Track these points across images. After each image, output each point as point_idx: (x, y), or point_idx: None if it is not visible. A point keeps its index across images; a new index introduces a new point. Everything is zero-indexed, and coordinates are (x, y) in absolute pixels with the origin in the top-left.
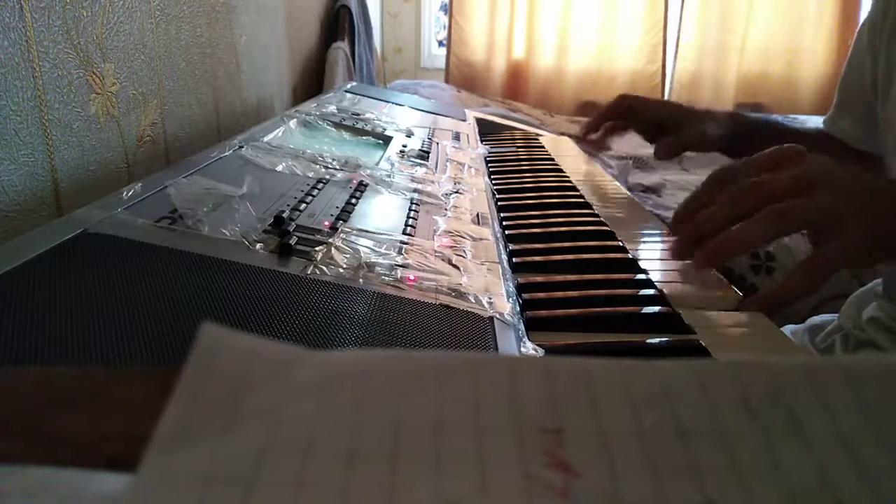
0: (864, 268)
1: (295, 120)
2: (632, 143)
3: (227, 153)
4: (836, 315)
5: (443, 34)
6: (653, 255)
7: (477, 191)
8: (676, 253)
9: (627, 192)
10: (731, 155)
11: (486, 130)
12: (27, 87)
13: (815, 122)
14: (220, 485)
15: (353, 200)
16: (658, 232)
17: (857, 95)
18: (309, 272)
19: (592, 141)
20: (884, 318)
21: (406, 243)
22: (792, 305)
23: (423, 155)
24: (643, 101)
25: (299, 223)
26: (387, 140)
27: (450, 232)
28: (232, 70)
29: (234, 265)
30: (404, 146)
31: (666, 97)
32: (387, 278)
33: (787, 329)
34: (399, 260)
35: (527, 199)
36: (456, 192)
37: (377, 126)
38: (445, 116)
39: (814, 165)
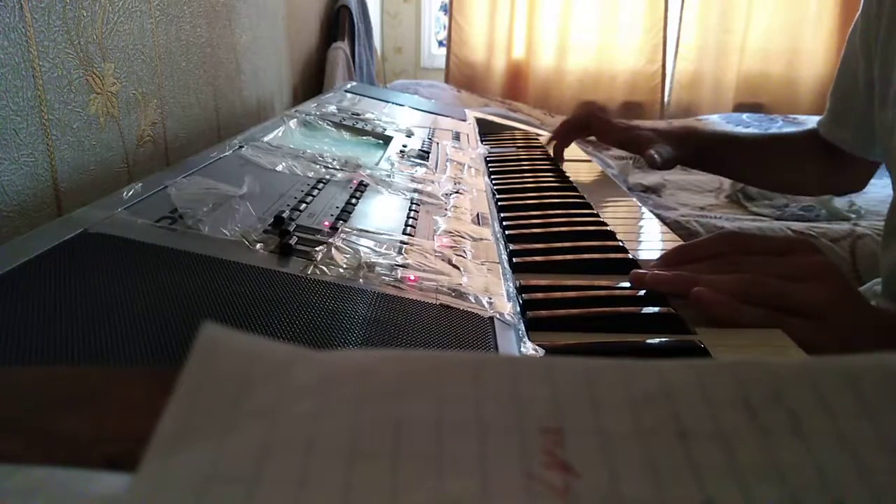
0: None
1: (295, 120)
2: None
3: (227, 153)
4: None
5: (443, 34)
6: (653, 256)
7: (477, 191)
8: (637, 279)
9: (627, 192)
10: (691, 167)
11: (486, 130)
12: (27, 87)
13: (815, 122)
14: (221, 484)
15: (354, 200)
16: (658, 232)
17: (850, 101)
18: (309, 272)
19: (557, 147)
20: None
21: (406, 243)
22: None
23: (424, 155)
24: (600, 123)
25: (299, 223)
26: (387, 140)
27: (450, 232)
28: (232, 70)
29: (235, 265)
30: (404, 146)
31: (666, 97)
32: (387, 278)
33: None
34: (399, 260)
35: (527, 199)
36: (456, 192)
37: (377, 126)
38: (445, 116)
39: (818, 260)
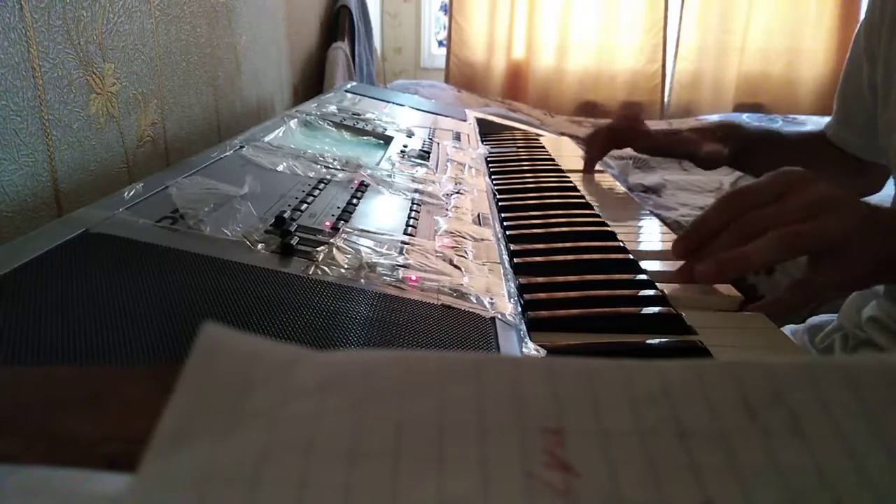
0: (857, 290)
1: (295, 120)
2: None
3: (227, 153)
4: (836, 315)
5: (443, 34)
6: (653, 255)
7: (478, 191)
8: (684, 275)
9: (628, 192)
10: (735, 167)
11: (487, 130)
12: (27, 87)
13: (815, 122)
14: (221, 484)
15: (355, 201)
16: (658, 232)
17: (856, 104)
18: (310, 272)
19: (591, 158)
20: (883, 317)
21: (407, 244)
22: (788, 316)
23: (424, 155)
24: (638, 132)
25: (301, 223)
26: (387, 140)
27: (451, 232)
28: (232, 70)
29: (236, 265)
30: (405, 146)
31: (666, 97)
32: (388, 279)
33: (787, 329)
34: (400, 260)
35: (528, 199)
36: (457, 193)
37: (378, 126)
38: (446, 116)
39: (820, 191)
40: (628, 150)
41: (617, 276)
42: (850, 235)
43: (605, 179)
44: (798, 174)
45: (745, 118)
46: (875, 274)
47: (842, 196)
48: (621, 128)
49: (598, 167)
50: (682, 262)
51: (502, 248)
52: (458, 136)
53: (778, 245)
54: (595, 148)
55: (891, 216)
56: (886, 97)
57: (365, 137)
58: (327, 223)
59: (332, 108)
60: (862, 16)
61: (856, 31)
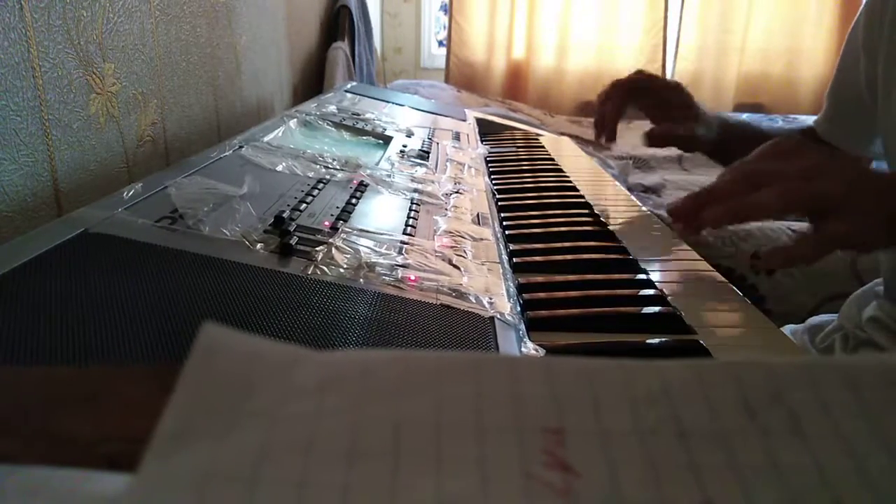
0: (863, 252)
1: (295, 120)
2: (632, 143)
3: (227, 153)
4: (836, 315)
5: (443, 34)
6: (653, 255)
7: (477, 191)
8: (689, 228)
9: (627, 192)
10: (714, 158)
11: (486, 130)
12: (27, 87)
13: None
14: (220, 484)
15: (354, 200)
16: (658, 232)
17: (849, 100)
18: (309, 272)
19: (611, 116)
20: (884, 317)
21: (406, 243)
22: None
23: (424, 155)
24: (657, 81)
25: (300, 223)
26: (387, 140)
27: (450, 232)
28: (232, 70)
29: (235, 265)
30: (404, 146)
31: None
32: (387, 278)
33: (787, 329)
34: (399, 260)
35: (527, 199)
36: (456, 192)
37: (377, 126)
38: (445, 116)
39: (820, 156)
40: (628, 150)
41: (616, 276)
42: (849, 195)
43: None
44: (794, 144)
45: (744, 118)
46: (879, 237)
47: (836, 161)
48: (637, 80)
49: (598, 167)
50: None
51: (501, 247)
52: (457, 136)
53: (780, 196)
54: (614, 104)
55: (885, 178)
56: (888, 93)
57: (364, 137)
58: (326, 223)
59: (332, 108)
60: None
61: (852, 26)
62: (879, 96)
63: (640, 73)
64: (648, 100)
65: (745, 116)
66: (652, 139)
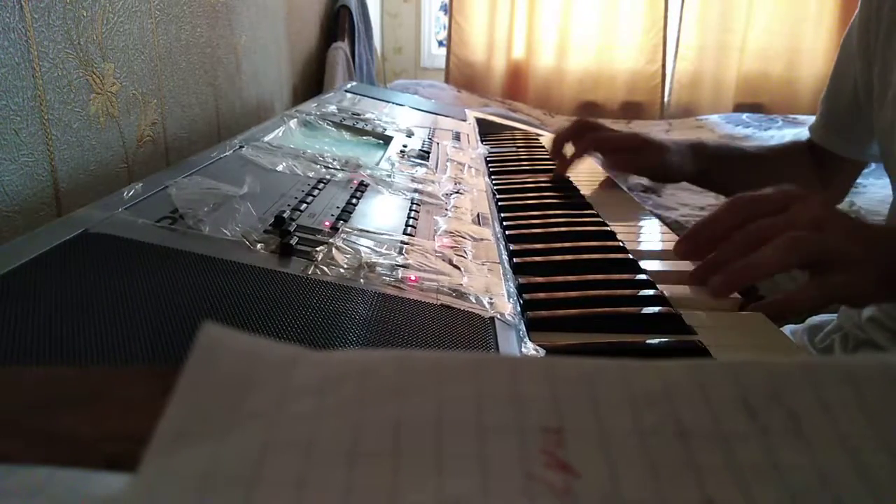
0: (857, 306)
1: (295, 120)
2: None
3: (227, 153)
4: (836, 315)
5: (443, 34)
6: (652, 255)
7: (477, 191)
8: (696, 279)
9: (628, 192)
10: (699, 184)
11: (487, 130)
12: (27, 87)
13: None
14: (220, 484)
15: (354, 200)
16: (658, 232)
17: (845, 105)
18: (310, 272)
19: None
20: (883, 317)
21: (407, 243)
22: (791, 317)
23: (424, 155)
24: (604, 138)
25: (300, 223)
26: (387, 140)
27: (450, 232)
28: (232, 70)
29: (235, 265)
30: (404, 146)
31: (666, 97)
32: (387, 278)
33: (787, 329)
34: (400, 260)
35: (527, 199)
36: (456, 193)
37: (377, 126)
38: (445, 116)
39: (824, 207)
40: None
41: (616, 276)
42: (855, 252)
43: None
44: (803, 191)
45: (745, 118)
46: (879, 290)
47: (845, 216)
48: (580, 125)
49: (598, 167)
50: (686, 263)
51: (502, 247)
52: (457, 136)
53: (789, 247)
54: (557, 139)
55: (889, 233)
56: (882, 97)
57: (365, 137)
58: (326, 223)
59: (332, 108)
60: None
61: (846, 30)
62: (875, 100)
63: (580, 126)
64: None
65: (745, 116)
66: (609, 165)
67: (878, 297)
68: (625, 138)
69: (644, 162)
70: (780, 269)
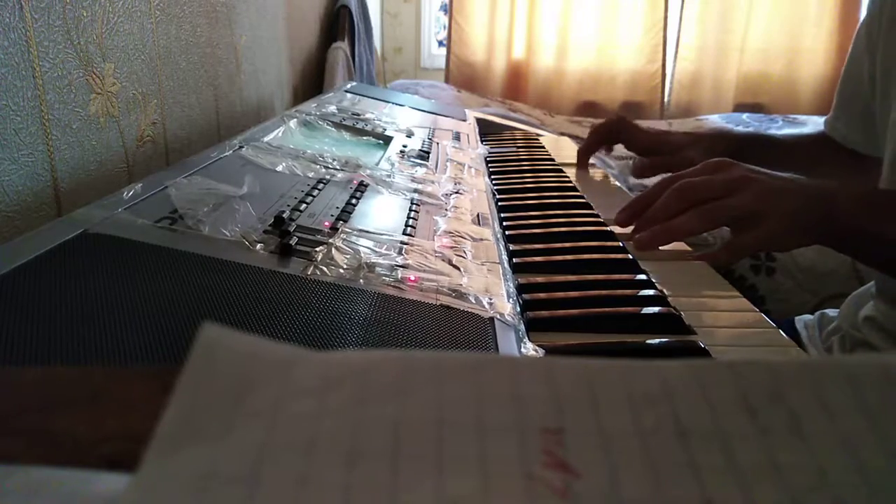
0: (781, 251)
1: (295, 120)
2: None
3: (227, 153)
4: (838, 310)
5: (443, 34)
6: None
7: (477, 191)
8: (633, 239)
9: (628, 192)
10: None
11: (487, 130)
12: (27, 87)
13: (815, 122)
14: (220, 484)
15: (354, 201)
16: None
17: (854, 97)
18: (309, 273)
19: (582, 152)
20: (879, 317)
21: (406, 244)
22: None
23: (424, 155)
24: (632, 128)
25: (300, 223)
26: (387, 140)
27: (450, 232)
28: (232, 70)
29: (235, 265)
30: (404, 146)
31: (666, 97)
32: (387, 279)
33: (800, 320)
34: (399, 260)
35: (527, 199)
36: (456, 193)
37: (377, 126)
38: (445, 116)
39: (739, 171)
40: (628, 151)
41: (616, 276)
42: (761, 206)
43: (602, 176)
44: (725, 160)
45: (745, 118)
46: (796, 238)
47: (756, 175)
48: (610, 124)
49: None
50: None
51: (501, 248)
52: (457, 136)
53: (697, 219)
54: (590, 141)
55: (796, 185)
56: (886, 90)
57: (364, 137)
58: (326, 223)
59: (332, 108)
60: (862, 14)
61: (857, 28)
62: (878, 94)
63: (612, 122)
64: (625, 140)
65: (745, 116)
66: (635, 173)
67: (795, 242)
68: (645, 143)
69: (669, 164)
70: (692, 234)
